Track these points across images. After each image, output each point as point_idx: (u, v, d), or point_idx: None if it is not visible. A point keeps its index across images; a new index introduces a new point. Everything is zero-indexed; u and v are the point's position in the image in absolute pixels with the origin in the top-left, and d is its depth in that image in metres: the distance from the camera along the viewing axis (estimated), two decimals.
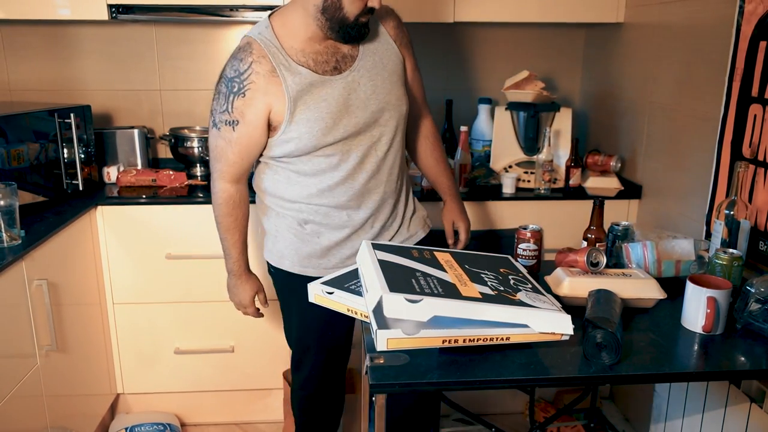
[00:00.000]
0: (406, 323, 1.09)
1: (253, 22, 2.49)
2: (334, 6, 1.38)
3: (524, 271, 1.37)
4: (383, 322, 1.09)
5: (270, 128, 1.46)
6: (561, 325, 1.12)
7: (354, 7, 1.38)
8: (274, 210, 1.59)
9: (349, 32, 1.43)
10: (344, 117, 1.45)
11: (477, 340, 1.11)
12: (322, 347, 1.68)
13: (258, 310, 1.71)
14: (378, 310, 1.08)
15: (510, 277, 1.29)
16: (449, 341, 1.11)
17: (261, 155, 1.53)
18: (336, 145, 1.47)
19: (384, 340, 1.09)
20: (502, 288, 1.20)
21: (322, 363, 1.70)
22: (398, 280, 1.14)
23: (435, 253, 1.36)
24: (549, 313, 1.12)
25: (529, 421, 1.98)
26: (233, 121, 1.44)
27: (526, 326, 1.12)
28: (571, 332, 1.13)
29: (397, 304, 1.07)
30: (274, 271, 1.65)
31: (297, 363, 1.73)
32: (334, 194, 1.51)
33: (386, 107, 1.50)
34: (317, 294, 1.32)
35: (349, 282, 1.32)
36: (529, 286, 1.26)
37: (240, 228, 1.59)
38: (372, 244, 1.33)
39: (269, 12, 1.50)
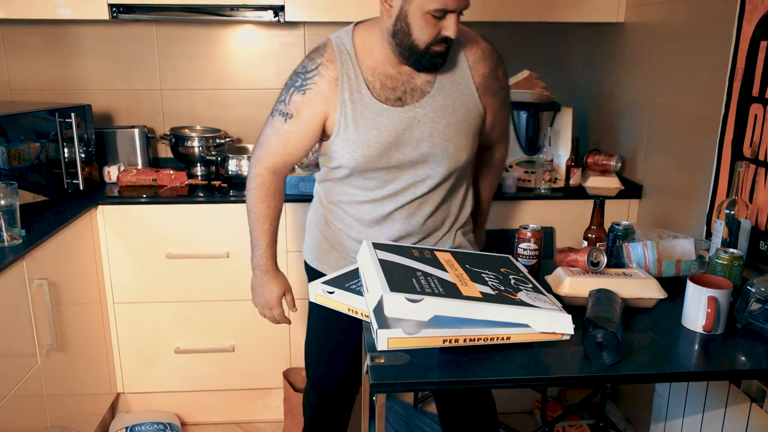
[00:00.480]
0: (406, 323, 1.09)
1: (254, 22, 2.49)
2: (403, 31, 1.32)
3: (525, 270, 1.37)
4: (384, 322, 1.09)
5: (324, 133, 1.44)
6: (562, 325, 1.12)
7: (424, 35, 1.31)
8: (316, 202, 1.62)
9: (420, 61, 1.35)
10: (392, 150, 1.41)
11: (478, 340, 1.11)
12: (336, 346, 1.64)
13: (283, 313, 1.59)
14: (379, 309, 1.08)
15: (511, 276, 1.29)
16: (450, 341, 1.11)
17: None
18: (376, 172, 1.44)
19: (385, 340, 1.09)
20: (502, 288, 1.20)
21: (335, 362, 1.67)
22: (399, 279, 1.14)
23: (436, 252, 1.36)
24: (550, 313, 1.12)
25: (541, 419, 1.98)
26: (287, 113, 1.42)
27: (526, 326, 1.12)
28: (572, 332, 1.13)
29: (397, 304, 1.07)
30: (305, 264, 1.66)
31: (311, 361, 1.71)
32: (360, 209, 1.50)
33: (440, 154, 1.43)
34: (318, 293, 1.32)
35: (349, 282, 1.32)
36: (530, 285, 1.26)
37: (271, 218, 1.52)
38: (372, 243, 1.33)
39: (357, 22, 1.45)
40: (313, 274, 1.61)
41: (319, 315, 1.64)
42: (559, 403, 2.31)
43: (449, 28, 1.29)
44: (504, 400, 2.33)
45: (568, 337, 1.14)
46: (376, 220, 1.50)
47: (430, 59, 1.35)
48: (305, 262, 1.66)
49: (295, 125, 1.42)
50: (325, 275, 1.40)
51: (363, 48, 1.40)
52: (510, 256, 1.46)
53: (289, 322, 1.60)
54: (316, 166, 2.34)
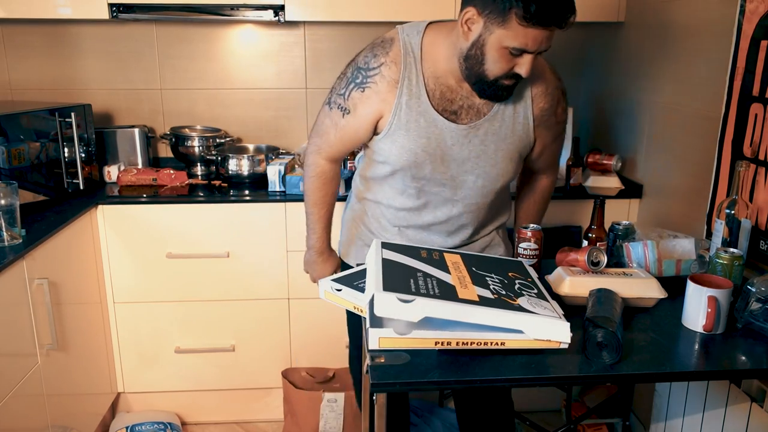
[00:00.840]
0: (397, 323, 1.09)
1: (254, 22, 2.49)
2: (476, 59, 1.29)
3: (535, 276, 1.35)
4: (376, 321, 1.09)
5: (375, 129, 1.44)
6: (557, 333, 1.11)
7: (496, 68, 1.28)
8: (355, 196, 1.63)
9: (485, 89, 1.33)
10: (436, 162, 1.40)
11: (471, 344, 1.11)
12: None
13: None
14: (372, 308, 1.08)
15: (517, 281, 1.28)
16: (442, 343, 1.10)
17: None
18: (416, 180, 1.44)
19: (376, 339, 1.09)
20: (503, 292, 1.19)
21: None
22: (395, 279, 1.14)
23: (444, 254, 1.35)
24: (546, 320, 1.11)
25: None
26: (345, 108, 1.42)
27: (521, 332, 1.11)
28: (569, 341, 1.11)
29: (388, 303, 1.06)
30: (341, 262, 1.70)
31: (353, 325, 1.74)
32: (397, 214, 1.52)
33: (482, 176, 1.43)
34: (327, 290, 1.32)
35: (358, 280, 1.32)
36: (534, 291, 1.24)
37: (327, 204, 1.57)
38: (382, 243, 1.33)
39: (430, 21, 1.40)
40: (343, 266, 1.67)
41: None
42: (579, 402, 2.32)
43: (523, 67, 1.26)
44: (533, 398, 2.34)
45: (565, 346, 1.12)
46: (409, 227, 1.53)
47: (496, 90, 1.32)
48: (341, 259, 1.70)
49: (352, 120, 1.42)
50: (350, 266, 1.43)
51: (430, 53, 1.36)
52: (522, 261, 1.45)
53: None
54: None
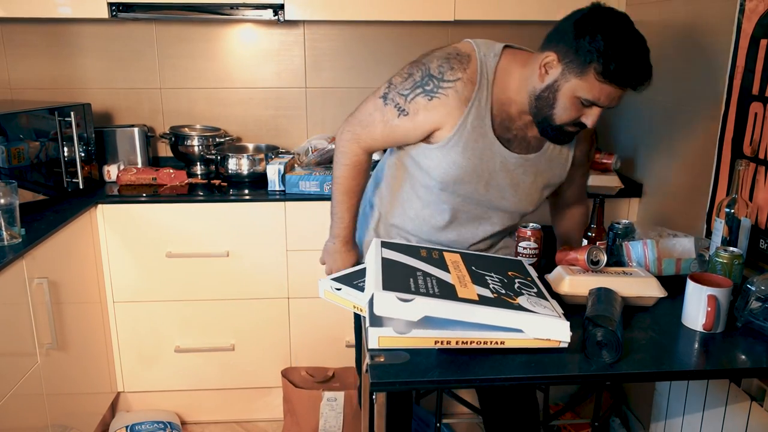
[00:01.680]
0: (397, 322, 1.09)
1: (253, 21, 2.49)
2: (547, 101, 1.31)
3: (534, 275, 1.35)
4: (376, 320, 1.09)
5: (429, 136, 1.41)
6: (557, 332, 1.11)
7: (564, 115, 1.30)
8: (370, 202, 1.63)
9: (548, 131, 1.35)
10: (479, 184, 1.42)
11: (470, 343, 1.11)
12: None
13: None
14: (372, 307, 1.08)
15: (516, 280, 1.28)
16: (442, 342, 1.10)
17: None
18: (453, 196, 1.44)
19: (375, 338, 1.09)
20: (503, 291, 1.19)
21: None
22: (395, 278, 1.14)
23: (444, 253, 1.35)
24: (545, 319, 1.11)
25: (542, 415, 1.98)
26: (404, 110, 1.38)
27: (521, 331, 1.11)
28: (569, 340, 1.11)
29: (388, 302, 1.06)
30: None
31: (357, 331, 1.73)
32: (420, 228, 1.51)
33: (516, 204, 1.47)
34: (326, 290, 1.32)
35: (358, 279, 1.32)
36: (534, 290, 1.24)
37: (358, 194, 1.52)
38: (382, 242, 1.32)
39: (506, 44, 1.41)
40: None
41: None
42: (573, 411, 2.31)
43: (590, 118, 1.30)
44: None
45: (565, 345, 1.13)
46: (429, 240, 1.53)
47: (558, 134, 1.35)
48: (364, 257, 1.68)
49: (407, 123, 1.38)
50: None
51: (502, 79, 1.37)
52: (522, 260, 1.45)
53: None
54: (317, 165, 2.34)
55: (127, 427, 2.19)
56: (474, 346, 1.11)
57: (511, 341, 1.12)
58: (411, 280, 1.15)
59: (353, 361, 2.33)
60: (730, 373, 1.28)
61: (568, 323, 1.11)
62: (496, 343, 1.11)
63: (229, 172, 2.29)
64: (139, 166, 2.43)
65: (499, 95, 1.36)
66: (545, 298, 1.21)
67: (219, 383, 2.32)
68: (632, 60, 1.23)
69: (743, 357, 1.17)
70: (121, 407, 2.34)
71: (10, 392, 1.56)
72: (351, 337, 2.30)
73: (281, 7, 2.22)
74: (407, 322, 1.09)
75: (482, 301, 1.12)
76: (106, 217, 2.12)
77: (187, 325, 2.24)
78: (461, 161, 1.38)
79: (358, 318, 1.70)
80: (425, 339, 1.10)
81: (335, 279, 1.32)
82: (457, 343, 1.10)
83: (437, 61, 1.38)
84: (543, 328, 1.11)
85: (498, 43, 1.40)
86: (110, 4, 2.15)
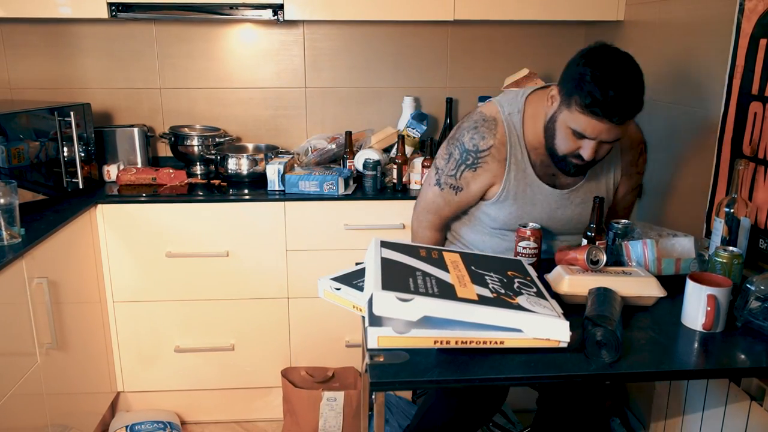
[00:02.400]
0: (396, 321, 1.08)
1: (253, 21, 2.49)
2: (551, 133, 1.42)
3: (534, 275, 1.35)
4: (375, 320, 1.09)
5: (484, 195, 1.57)
6: (557, 332, 1.11)
7: (563, 145, 1.41)
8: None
9: (556, 162, 1.46)
10: (542, 222, 1.54)
11: (470, 342, 1.10)
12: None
13: None
14: (371, 307, 1.08)
15: (516, 280, 1.28)
16: (441, 342, 1.10)
17: None
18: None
19: (374, 338, 1.08)
20: (502, 291, 1.19)
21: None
22: (394, 278, 1.13)
23: (443, 253, 1.35)
24: (545, 319, 1.11)
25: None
26: (458, 187, 1.56)
27: (520, 331, 1.11)
28: (568, 339, 1.11)
29: (387, 302, 1.06)
30: None
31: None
32: (479, 247, 1.65)
33: (576, 229, 1.60)
34: (326, 290, 1.31)
35: (357, 279, 1.32)
36: (534, 290, 1.24)
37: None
38: (381, 241, 1.32)
39: (530, 90, 1.51)
40: None
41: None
42: None
43: (585, 151, 1.37)
44: (531, 398, 2.33)
45: (565, 344, 1.12)
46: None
47: (564, 166, 1.45)
48: None
49: (465, 196, 1.57)
50: None
51: (531, 128, 1.48)
52: (522, 260, 1.45)
53: None
54: (316, 164, 2.34)
55: (126, 426, 2.19)
56: (473, 345, 1.11)
57: (511, 341, 1.11)
58: (410, 279, 1.15)
59: (353, 361, 2.33)
60: (730, 372, 1.28)
61: (567, 323, 1.11)
62: (496, 342, 1.11)
63: (229, 172, 2.29)
64: (139, 166, 2.43)
65: (532, 141, 1.49)
66: (545, 298, 1.21)
67: (219, 383, 2.32)
68: (613, 95, 1.26)
69: (743, 356, 1.17)
70: (120, 407, 2.34)
71: (9, 392, 1.56)
72: (351, 337, 2.30)
73: (281, 6, 2.22)
74: (406, 322, 1.08)
75: (481, 300, 1.12)
76: (105, 217, 2.12)
77: (187, 325, 2.24)
78: (517, 211, 1.54)
79: None
80: (424, 339, 1.10)
81: (335, 279, 1.32)
82: (456, 342, 1.10)
83: (468, 134, 1.52)
84: (542, 327, 1.11)
85: (521, 94, 1.51)
86: (110, 4, 2.15)
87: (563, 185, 1.54)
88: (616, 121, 1.30)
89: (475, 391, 1.56)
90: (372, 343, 1.09)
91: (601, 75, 1.28)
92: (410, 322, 1.08)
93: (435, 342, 1.10)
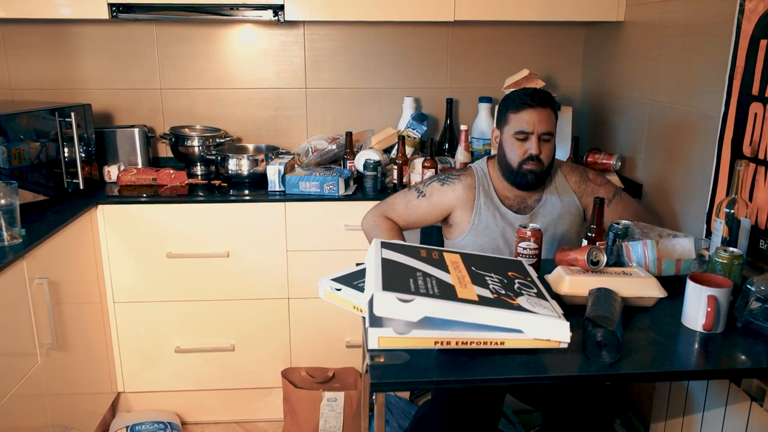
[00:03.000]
0: (397, 322, 1.08)
1: (253, 21, 2.50)
2: (502, 154, 1.72)
3: (534, 275, 1.35)
4: (376, 320, 1.08)
5: (448, 222, 1.80)
6: (557, 333, 1.11)
7: (514, 155, 1.68)
8: None
9: (515, 178, 1.70)
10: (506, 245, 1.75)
11: (470, 343, 1.10)
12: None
13: None
14: (372, 307, 1.08)
15: (516, 280, 1.27)
16: (442, 342, 1.10)
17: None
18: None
19: (375, 338, 1.08)
20: (503, 291, 1.19)
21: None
22: (395, 278, 1.13)
23: (444, 253, 1.35)
24: (545, 320, 1.11)
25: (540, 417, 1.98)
26: (422, 192, 1.80)
27: (520, 331, 1.11)
28: (569, 340, 1.11)
29: (387, 303, 1.06)
30: None
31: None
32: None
33: (552, 244, 1.75)
34: (326, 290, 1.31)
35: (358, 280, 1.32)
36: (534, 291, 1.24)
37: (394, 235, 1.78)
38: (382, 242, 1.32)
39: (490, 156, 1.84)
40: None
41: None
42: None
43: (531, 147, 1.66)
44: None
45: (565, 345, 1.12)
46: None
47: (523, 176, 1.69)
48: None
49: (423, 203, 1.79)
50: None
51: (492, 173, 1.79)
52: (522, 260, 1.45)
53: None
54: (317, 165, 2.34)
55: (127, 427, 2.19)
56: (474, 346, 1.11)
57: (511, 342, 1.11)
58: (411, 280, 1.15)
59: (353, 362, 2.33)
60: (730, 373, 1.28)
61: (567, 324, 1.11)
62: (496, 343, 1.11)
63: (229, 172, 2.29)
64: (140, 166, 2.43)
65: (497, 183, 1.77)
66: (545, 299, 1.21)
67: (219, 383, 2.32)
68: (530, 90, 1.68)
69: (743, 357, 1.17)
70: (121, 407, 2.34)
71: (10, 392, 1.56)
72: (351, 338, 2.30)
73: (281, 7, 2.22)
74: (407, 323, 1.08)
75: (482, 301, 1.12)
76: (106, 217, 2.12)
77: (188, 325, 2.24)
78: (489, 242, 1.73)
79: None
80: (425, 339, 1.10)
81: (335, 279, 1.32)
82: (456, 343, 1.10)
83: (446, 172, 1.84)
84: (543, 328, 1.11)
85: (484, 159, 1.85)
86: (110, 5, 2.15)
87: (529, 210, 1.76)
88: (539, 103, 1.65)
89: (468, 405, 1.56)
90: (372, 344, 1.09)
91: (516, 91, 1.73)
92: (411, 322, 1.08)
93: (435, 342, 1.10)
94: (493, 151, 1.77)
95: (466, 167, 1.83)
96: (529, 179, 1.69)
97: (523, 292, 1.22)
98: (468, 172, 1.80)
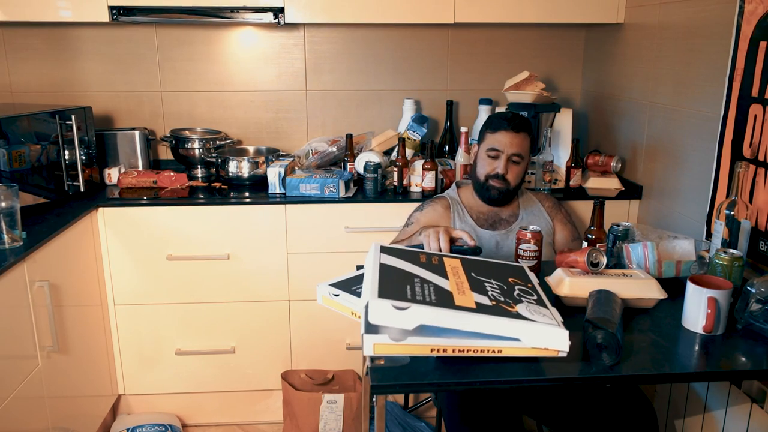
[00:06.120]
0: (392, 329, 1.07)
1: (254, 24, 2.50)
2: (474, 168, 1.89)
3: (535, 281, 1.33)
4: (371, 327, 1.07)
5: None
6: (556, 341, 1.09)
7: (483, 169, 1.84)
8: None
9: (482, 191, 1.86)
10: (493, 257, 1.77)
11: (467, 351, 1.09)
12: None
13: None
14: (367, 314, 1.07)
15: (516, 287, 1.26)
16: (438, 350, 1.08)
17: None
18: None
19: (371, 345, 1.07)
20: (502, 299, 1.17)
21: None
22: (392, 285, 1.12)
23: (444, 259, 1.34)
24: (544, 328, 1.09)
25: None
26: (410, 222, 1.94)
27: (518, 340, 1.09)
28: (567, 349, 1.09)
29: (383, 310, 1.04)
30: None
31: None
32: None
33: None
34: (324, 296, 1.31)
35: (356, 285, 1.30)
36: (534, 298, 1.22)
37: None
38: (381, 247, 1.31)
39: (459, 184, 2.02)
40: None
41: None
42: None
43: (500, 165, 1.81)
44: None
45: (564, 354, 1.10)
46: None
47: (489, 191, 1.84)
48: None
49: (414, 228, 1.89)
50: None
51: (464, 196, 1.95)
52: (524, 266, 1.44)
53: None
54: (317, 167, 2.35)
55: (128, 429, 2.19)
56: (471, 354, 1.09)
57: (509, 350, 1.09)
58: (408, 286, 1.13)
59: (353, 364, 2.33)
60: (731, 375, 1.28)
61: (567, 332, 1.09)
62: (493, 351, 1.09)
63: (230, 174, 2.29)
64: (140, 169, 2.43)
65: (468, 203, 1.92)
66: (545, 306, 1.19)
67: (219, 386, 2.32)
68: (507, 114, 1.83)
69: (743, 359, 1.17)
70: (121, 410, 2.34)
71: (11, 395, 1.56)
72: (351, 340, 2.30)
73: (281, 10, 2.22)
74: (403, 330, 1.07)
75: (479, 309, 1.10)
76: (107, 220, 2.12)
77: (188, 327, 2.25)
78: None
79: None
80: (421, 347, 1.08)
81: (333, 285, 1.31)
82: (453, 351, 1.08)
83: (421, 203, 1.98)
84: (541, 337, 1.09)
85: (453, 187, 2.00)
86: (111, 8, 2.16)
87: (505, 224, 1.88)
88: (513, 128, 1.79)
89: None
90: (368, 351, 1.08)
91: (497, 113, 1.90)
92: (406, 330, 1.07)
93: (432, 350, 1.08)
94: (471, 157, 1.95)
95: (438, 195, 2.00)
96: (493, 195, 1.84)
97: (522, 299, 1.20)
98: (441, 198, 1.95)
